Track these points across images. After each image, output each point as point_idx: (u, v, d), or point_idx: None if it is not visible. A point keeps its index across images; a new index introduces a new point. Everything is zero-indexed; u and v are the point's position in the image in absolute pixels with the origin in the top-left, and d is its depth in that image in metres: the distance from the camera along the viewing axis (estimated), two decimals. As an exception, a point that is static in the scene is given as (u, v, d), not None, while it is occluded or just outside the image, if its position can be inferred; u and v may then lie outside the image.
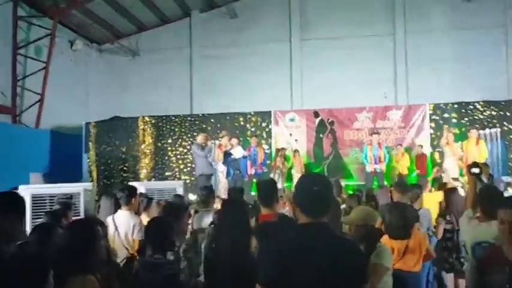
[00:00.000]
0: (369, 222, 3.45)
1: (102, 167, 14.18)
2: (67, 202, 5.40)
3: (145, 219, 5.87)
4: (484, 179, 5.31)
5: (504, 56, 14.92)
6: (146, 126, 14.35)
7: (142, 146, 14.13)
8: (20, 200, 3.22)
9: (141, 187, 8.21)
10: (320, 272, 2.27)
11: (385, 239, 4.55)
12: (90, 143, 14.17)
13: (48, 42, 13.63)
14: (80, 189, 6.86)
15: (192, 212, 6.34)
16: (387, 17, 15.74)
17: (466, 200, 4.55)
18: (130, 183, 9.02)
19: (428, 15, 15.30)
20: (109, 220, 5.20)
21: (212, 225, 4.46)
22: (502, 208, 2.79)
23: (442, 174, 9.52)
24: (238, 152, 10.12)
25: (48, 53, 13.65)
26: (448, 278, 5.03)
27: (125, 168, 14.19)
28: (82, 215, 6.34)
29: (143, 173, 13.96)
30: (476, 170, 4.36)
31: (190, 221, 5.58)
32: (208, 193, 5.82)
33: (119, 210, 5.29)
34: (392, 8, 15.69)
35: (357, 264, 2.37)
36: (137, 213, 5.71)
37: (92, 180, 13.65)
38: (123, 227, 5.16)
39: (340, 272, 2.29)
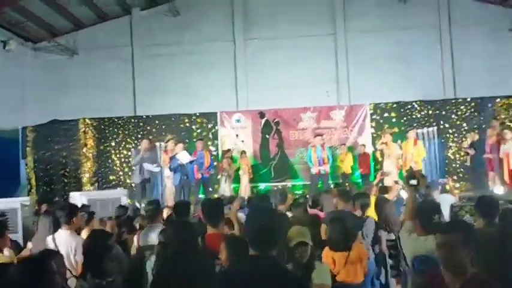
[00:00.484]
0: (304, 241, 3.49)
1: (41, 173, 13.61)
2: (1, 221, 5.11)
3: (85, 235, 5.70)
4: (422, 189, 5.51)
5: (439, 55, 15.52)
6: (87, 129, 13.93)
7: (84, 150, 13.71)
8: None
9: (82, 198, 8.00)
10: None
11: (326, 250, 4.67)
12: (27, 148, 13.56)
13: (-21, 43, 12.89)
14: (16, 204, 6.51)
15: (137, 226, 6.23)
16: (328, 17, 15.97)
17: (405, 211, 4.72)
18: (72, 193, 8.77)
19: (367, 16, 15.64)
20: (49, 240, 5.00)
21: (160, 245, 4.38)
22: (440, 232, 2.72)
23: (385, 178, 9.87)
24: (184, 157, 10.00)
25: (-21, 53, 12.91)
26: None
27: (65, 173, 13.70)
28: (20, 233, 6.03)
29: (85, 177, 13.56)
30: (414, 182, 4.51)
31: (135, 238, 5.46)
32: (155, 208, 5.68)
33: (59, 230, 5.09)
34: (333, 7, 15.93)
35: None
36: (78, 230, 5.53)
37: (30, 188, 13.10)
38: (63, 248, 4.96)
39: None
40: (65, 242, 4.98)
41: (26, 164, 13.56)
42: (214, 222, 4.27)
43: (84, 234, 5.67)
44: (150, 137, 13.84)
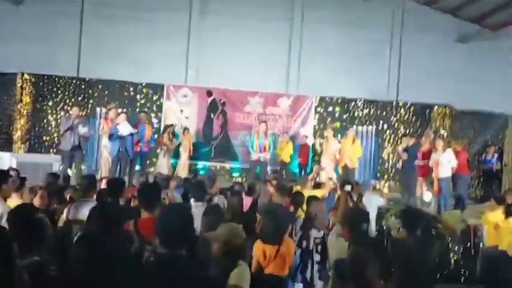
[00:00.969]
0: (233, 240, 3.53)
1: (-31, 126, 12.90)
2: None
3: (16, 201, 5.50)
4: (354, 196, 5.75)
5: (388, 57, 15.92)
6: (25, 85, 13.33)
7: (19, 106, 13.11)
8: None
9: (12, 159, 7.67)
10: None
11: (258, 242, 4.79)
12: (-42, 98, 12.78)
13: None
14: None
15: (67, 197, 6.09)
16: (287, 2, 15.91)
17: (336, 214, 4.92)
18: (1, 153, 8.39)
19: (326, 7, 15.58)
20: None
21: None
22: (352, 244, 2.92)
23: (321, 172, 10.15)
24: (125, 129, 9.78)
25: None
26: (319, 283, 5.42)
27: (-4, 129, 13.06)
28: None
29: (17, 135, 12.98)
30: (348, 188, 4.71)
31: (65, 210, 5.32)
32: (89, 182, 5.56)
33: (-13, 195, 4.89)
34: (293, -7, 15.89)
35: None
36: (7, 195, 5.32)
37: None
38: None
39: None
40: (-7, 209, 4.80)
41: (-45, 115, 12.79)
42: (149, 207, 4.25)
43: (14, 200, 5.47)
44: (91, 101, 13.51)
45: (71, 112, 9.53)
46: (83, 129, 9.61)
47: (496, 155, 12.11)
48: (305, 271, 5.50)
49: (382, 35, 15.87)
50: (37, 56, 14.58)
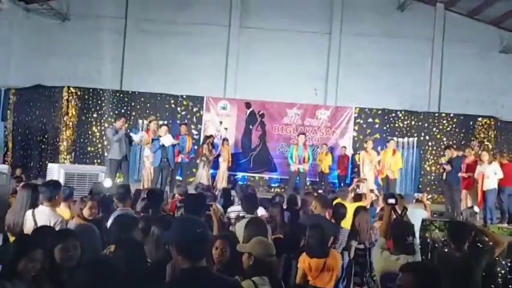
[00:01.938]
0: (267, 257, 3.37)
1: (19, 137, 13.44)
2: None
3: (64, 211, 5.68)
4: (398, 210, 5.66)
5: (429, 68, 15.69)
6: (71, 98, 13.76)
7: (65, 118, 13.56)
8: None
9: (60, 170, 7.91)
10: None
11: (303, 256, 4.76)
12: (8, 111, 13.34)
13: (-31, -3, 12.55)
14: (-6, 170, 6.43)
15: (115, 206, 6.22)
16: (325, 16, 15.93)
17: (380, 227, 4.85)
18: (50, 165, 8.69)
19: (363, 20, 15.63)
20: (28, 215, 4.96)
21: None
22: (401, 271, 2.83)
23: (362, 184, 10.03)
24: (167, 141, 9.97)
25: (-32, 8, 12.58)
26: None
27: (44, 139, 13.55)
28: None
29: (63, 146, 13.42)
30: (392, 201, 4.65)
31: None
32: (124, 191, 5.71)
33: (40, 206, 5.04)
34: (331, 7, 15.88)
35: None
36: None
37: (6, 151, 12.92)
38: (42, 224, 4.95)
39: None
40: (45, 219, 4.93)
41: (5, 127, 13.35)
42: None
43: (62, 210, 5.66)
44: (134, 114, 13.85)
45: (115, 124, 9.73)
46: (135, 136, 9.90)
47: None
48: (349, 283, 5.45)
49: (422, 46, 15.68)
50: (82, 70, 15.16)
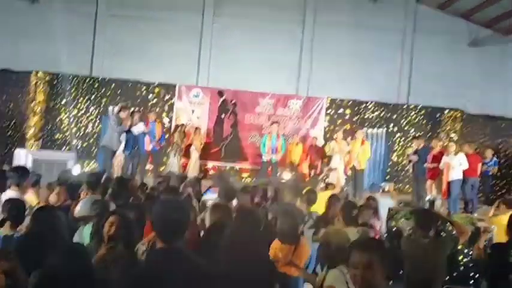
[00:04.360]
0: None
1: (-16, 123, 13.07)
2: None
3: (31, 198, 5.62)
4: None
5: (399, 59, 15.90)
6: (39, 83, 13.48)
7: (32, 104, 13.25)
8: None
9: (28, 156, 7.79)
10: None
11: (275, 241, 4.84)
12: (-27, 95, 12.96)
13: None
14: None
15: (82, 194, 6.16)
16: (299, 5, 15.87)
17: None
18: (18, 150, 8.55)
19: (337, 9, 15.58)
20: (-5, 198, 4.91)
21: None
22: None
23: (331, 173, 10.19)
24: (138, 128, 9.91)
25: None
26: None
27: (10, 126, 13.21)
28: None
29: (30, 132, 13.13)
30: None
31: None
32: (96, 179, 5.79)
33: (8, 190, 5.00)
34: (305, -4, 15.93)
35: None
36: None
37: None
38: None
39: None
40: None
41: (-31, 112, 12.98)
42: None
43: (29, 196, 5.59)
44: (104, 100, 13.62)
45: (121, 114, 9.64)
46: (141, 128, 9.85)
47: (494, 159, 11.77)
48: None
49: (393, 38, 15.84)
50: (51, 55, 14.74)
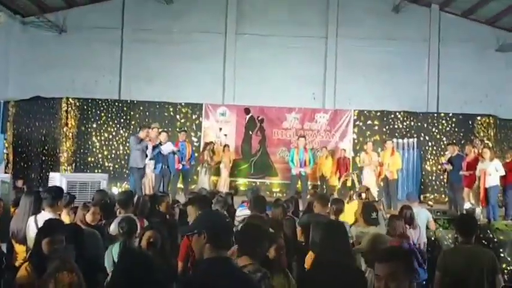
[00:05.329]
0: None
1: (19, 149, 13.41)
2: None
3: (65, 218, 5.68)
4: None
5: (426, 69, 15.74)
6: (70, 109, 13.75)
7: (65, 129, 13.54)
8: None
9: (62, 179, 7.90)
10: None
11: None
12: (8, 123, 13.34)
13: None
14: (-4, 180, 6.42)
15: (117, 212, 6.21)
16: (321, 20, 15.98)
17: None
18: (52, 174, 8.69)
19: (359, 23, 15.65)
20: (31, 221, 4.96)
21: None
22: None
23: (350, 178, 10.02)
24: (167, 148, 9.99)
25: (-35, 22, 12.61)
26: None
27: (44, 151, 13.52)
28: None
29: (63, 156, 13.39)
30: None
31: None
32: (126, 197, 5.86)
33: (42, 212, 5.04)
34: (327, 11, 15.92)
35: None
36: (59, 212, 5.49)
37: (7, 163, 12.88)
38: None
39: None
40: (47, 224, 4.94)
41: (5, 139, 13.33)
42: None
43: (64, 216, 5.65)
44: (133, 122, 13.83)
45: (140, 133, 9.85)
46: (170, 147, 9.99)
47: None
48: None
49: (419, 47, 15.73)
50: (80, 81, 15.18)
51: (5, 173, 11.60)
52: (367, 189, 7.74)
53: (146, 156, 9.75)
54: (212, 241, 2.45)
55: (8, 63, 15.16)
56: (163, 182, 10.08)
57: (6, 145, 13.36)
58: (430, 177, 13.39)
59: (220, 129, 13.99)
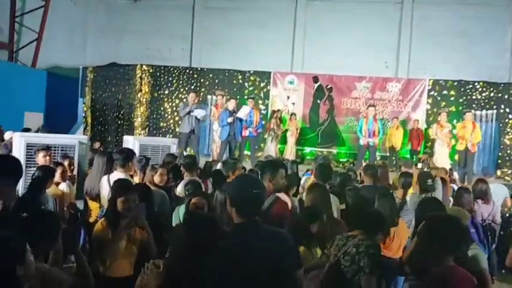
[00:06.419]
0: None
1: (97, 113, 14.12)
2: (50, 169, 5.25)
3: (136, 178, 5.92)
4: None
5: (509, 36, 14.68)
6: (144, 75, 14.20)
7: (139, 95, 14.03)
8: (18, 166, 3.32)
9: (136, 142, 8.22)
10: (258, 267, 2.36)
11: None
12: (86, 88, 14.05)
13: (49, -20, 13.25)
14: (75, 141, 6.76)
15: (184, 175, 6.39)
16: (396, -16, 15.28)
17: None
18: (126, 137, 9.06)
19: (437, -13, 14.85)
20: (104, 180, 5.20)
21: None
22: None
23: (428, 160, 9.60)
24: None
25: (48, -10, 13.29)
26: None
27: (119, 115, 14.14)
28: (76, 170, 6.32)
29: (137, 121, 13.94)
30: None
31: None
32: (191, 161, 6.07)
33: (115, 172, 5.28)
34: (403, -25, 15.21)
35: (290, 253, 2.49)
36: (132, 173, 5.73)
37: (86, 126, 13.63)
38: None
39: (276, 263, 2.40)
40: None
41: (84, 103, 14.08)
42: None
43: (134, 177, 5.90)
44: (203, 89, 14.09)
45: (188, 98, 10.11)
46: (201, 113, 10.11)
47: None
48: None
49: (500, 13, 14.68)
50: (154, 48, 15.61)
51: (84, 134, 12.28)
52: (430, 156, 7.57)
53: (198, 120, 9.94)
54: (236, 208, 2.50)
55: (86, 31, 15.90)
56: (229, 148, 10.24)
57: (85, 109, 14.11)
58: (508, 152, 12.59)
59: (288, 97, 13.90)
